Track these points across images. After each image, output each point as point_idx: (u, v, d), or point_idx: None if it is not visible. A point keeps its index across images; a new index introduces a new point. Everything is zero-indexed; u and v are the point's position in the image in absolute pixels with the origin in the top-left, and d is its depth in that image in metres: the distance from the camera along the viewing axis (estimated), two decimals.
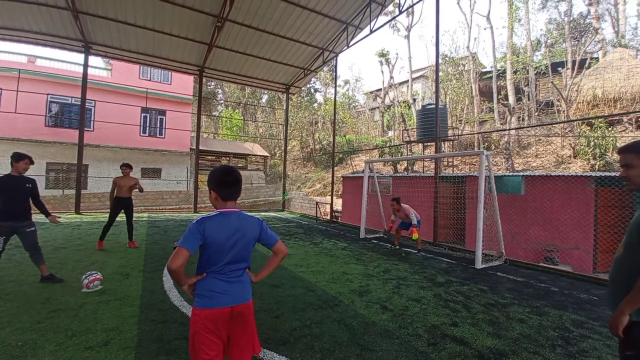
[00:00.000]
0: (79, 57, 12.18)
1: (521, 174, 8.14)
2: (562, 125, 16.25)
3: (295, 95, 27.11)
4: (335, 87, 14.76)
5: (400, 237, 7.22)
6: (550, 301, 4.01)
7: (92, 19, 10.40)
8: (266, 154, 25.24)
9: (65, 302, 3.44)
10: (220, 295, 1.53)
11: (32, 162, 4.11)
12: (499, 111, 20.74)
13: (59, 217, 4.53)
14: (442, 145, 17.24)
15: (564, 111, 16.01)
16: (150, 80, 18.12)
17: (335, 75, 15.42)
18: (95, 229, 8.18)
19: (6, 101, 13.94)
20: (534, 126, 14.01)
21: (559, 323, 3.33)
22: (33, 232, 4.06)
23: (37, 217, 4.34)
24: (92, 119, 15.99)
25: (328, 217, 12.93)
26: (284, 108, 16.63)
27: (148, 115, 18.13)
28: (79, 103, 12.10)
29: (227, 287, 1.56)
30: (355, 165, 24.86)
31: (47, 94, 15.14)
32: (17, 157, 3.97)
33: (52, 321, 2.97)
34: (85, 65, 11.84)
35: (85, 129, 12.33)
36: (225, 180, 1.61)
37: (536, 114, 19.23)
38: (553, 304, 3.89)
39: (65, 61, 16.34)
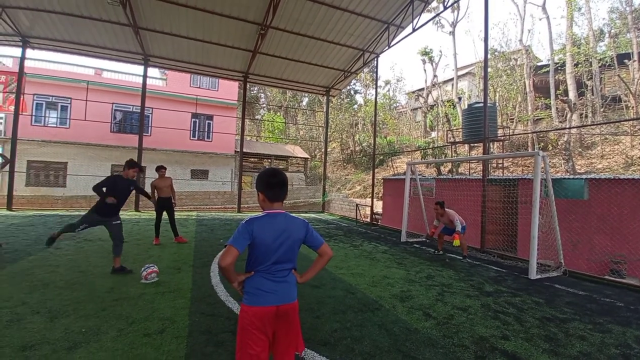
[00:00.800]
0: (139, 69, 13.36)
1: (584, 176, 7.39)
2: (631, 122, 14.50)
3: (336, 97, 27.23)
4: (376, 88, 14.58)
5: (443, 243, 6.94)
6: (615, 317, 3.61)
7: (151, 34, 11.38)
8: (307, 155, 25.61)
9: (127, 291, 3.78)
10: (267, 294, 1.59)
11: (140, 171, 4.71)
12: (557, 108, 19.02)
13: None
14: (491, 146, 16.25)
15: (633, 107, 14.28)
16: (199, 87, 19.34)
17: (376, 76, 15.22)
18: (151, 225, 8.86)
19: (76, 110, 15.71)
20: (598, 124, 12.60)
21: (622, 340, 3.03)
22: (118, 225, 4.52)
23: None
24: (150, 125, 17.42)
25: (368, 220, 12.78)
26: (324, 110, 16.78)
27: (197, 120, 19.37)
28: (139, 111, 13.27)
29: (273, 286, 1.61)
30: (396, 167, 24.32)
31: (112, 103, 16.79)
32: (129, 165, 4.56)
33: (114, 309, 3.27)
34: (145, 76, 13.00)
35: (144, 134, 13.46)
36: (271, 182, 1.68)
37: (601, 110, 17.33)
38: (617, 321, 3.51)
39: (128, 73, 18.07)
